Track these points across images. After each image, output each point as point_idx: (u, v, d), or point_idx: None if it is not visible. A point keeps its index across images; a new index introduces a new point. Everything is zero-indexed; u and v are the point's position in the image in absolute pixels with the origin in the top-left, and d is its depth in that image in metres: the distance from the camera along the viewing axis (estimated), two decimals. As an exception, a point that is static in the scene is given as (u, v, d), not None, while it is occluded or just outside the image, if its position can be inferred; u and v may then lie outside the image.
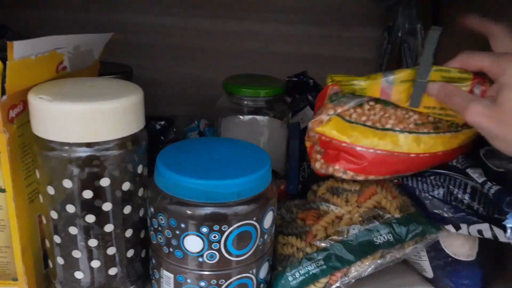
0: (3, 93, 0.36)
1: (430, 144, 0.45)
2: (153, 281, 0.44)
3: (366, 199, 0.49)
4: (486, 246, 0.47)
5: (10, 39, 0.35)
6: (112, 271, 0.42)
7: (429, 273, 0.50)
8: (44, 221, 0.41)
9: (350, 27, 0.78)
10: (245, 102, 0.59)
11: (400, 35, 0.73)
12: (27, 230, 0.41)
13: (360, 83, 0.46)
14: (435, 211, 0.47)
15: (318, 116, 0.47)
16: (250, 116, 0.59)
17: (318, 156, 0.48)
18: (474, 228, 0.44)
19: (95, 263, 0.41)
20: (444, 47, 0.73)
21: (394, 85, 0.44)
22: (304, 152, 0.61)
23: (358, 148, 0.45)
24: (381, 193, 0.49)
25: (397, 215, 0.47)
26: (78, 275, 0.41)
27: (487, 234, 0.43)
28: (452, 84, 0.42)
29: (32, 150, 0.40)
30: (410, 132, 0.45)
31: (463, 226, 0.44)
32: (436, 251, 0.48)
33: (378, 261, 0.45)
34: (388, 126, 0.46)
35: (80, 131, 0.37)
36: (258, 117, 0.60)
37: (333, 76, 0.48)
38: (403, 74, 0.44)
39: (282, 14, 0.76)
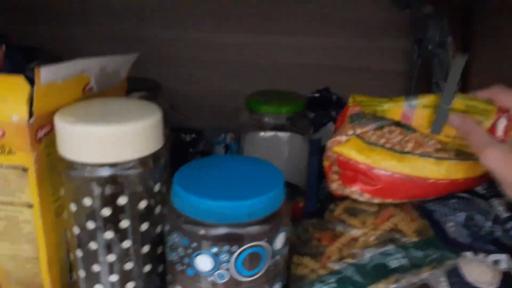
0: (31, 115, 0.39)
1: (450, 170, 0.44)
2: (169, 295, 0.46)
3: (383, 221, 0.48)
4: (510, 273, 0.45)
5: (40, 58, 0.38)
6: (130, 285, 0.44)
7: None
8: (69, 235, 0.44)
9: (379, 39, 0.77)
10: (267, 119, 0.60)
11: (430, 48, 0.71)
12: (53, 243, 0.44)
13: (382, 105, 0.45)
14: (454, 236, 0.45)
15: (337, 136, 0.47)
16: (271, 133, 0.60)
17: (335, 177, 0.48)
18: (492, 258, 0.42)
19: (113, 277, 0.43)
20: (475, 62, 0.71)
21: (416, 109, 0.44)
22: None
23: (376, 170, 0.45)
24: (399, 215, 0.48)
25: (414, 239, 0.46)
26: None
27: (504, 265, 0.41)
28: (474, 120, 0.41)
29: (57, 169, 0.42)
30: (430, 156, 0.44)
31: (481, 254, 0.43)
32: (455, 277, 0.47)
33: (392, 286, 0.44)
34: (408, 149, 0.45)
35: (102, 152, 0.40)
36: (280, 134, 0.60)
37: (355, 96, 0.48)
38: (426, 99, 0.44)
39: (310, 26, 0.76)
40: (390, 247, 0.45)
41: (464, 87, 0.72)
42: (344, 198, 0.52)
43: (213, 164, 0.48)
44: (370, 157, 0.45)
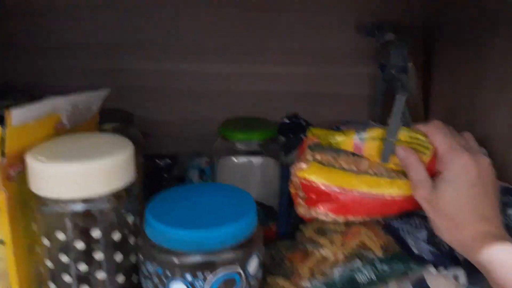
0: (3, 155, 0.40)
1: (404, 188, 0.47)
2: (145, 324, 0.46)
3: (350, 239, 0.50)
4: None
5: (12, 95, 0.39)
6: (106, 316, 0.44)
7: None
8: (42, 269, 0.44)
9: (345, 65, 0.81)
10: (239, 145, 0.61)
11: (393, 73, 0.75)
12: (26, 278, 0.44)
13: (335, 138, 0.49)
14: (418, 251, 0.48)
15: (299, 162, 0.49)
16: (244, 158, 0.62)
17: (301, 201, 0.50)
18: (451, 272, 0.44)
19: (89, 309, 0.43)
20: (434, 86, 0.75)
21: (365, 142, 0.48)
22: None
23: (336, 190, 0.47)
24: (366, 233, 0.50)
25: (380, 254, 0.48)
26: (74, 322, 0.43)
27: (462, 280, 0.44)
28: (416, 156, 0.45)
29: (30, 205, 0.43)
30: (383, 175, 0.47)
31: (442, 268, 0.45)
32: (422, 291, 0.49)
33: (361, 302, 0.46)
34: (363, 169, 0.48)
35: (73, 188, 0.41)
36: (252, 159, 0.62)
37: (312, 129, 0.51)
38: (375, 132, 0.47)
39: (278, 56, 0.80)
40: (358, 263, 0.47)
41: (426, 110, 0.76)
42: (313, 220, 0.54)
43: (185, 193, 0.49)
44: (329, 178, 0.47)
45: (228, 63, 0.79)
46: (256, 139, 0.61)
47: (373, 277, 0.47)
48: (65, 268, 0.42)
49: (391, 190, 0.47)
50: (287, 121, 0.72)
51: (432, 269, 0.47)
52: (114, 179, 0.42)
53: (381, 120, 0.80)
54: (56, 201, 0.41)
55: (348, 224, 0.52)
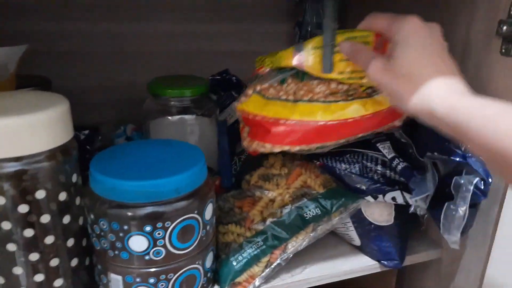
0: None
1: (339, 112, 0.48)
2: (100, 286, 0.45)
3: (293, 181, 0.53)
4: (403, 210, 0.54)
5: None
6: (57, 282, 0.41)
7: (357, 241, 0.56)
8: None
9: (265, 23, 0.83)
10: (172, 102, 0.60)
11: (309, 29, 0.79)
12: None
13: (277, 54, 0.49)
14: (354, 185, 0.52)
15: (240, 96, 0.50)
16: (178, 116, 0.61)
17: (245, 135, 0.51)
18: (388, 196, 0.50)
19: (39, 277, 0.40)
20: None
21: (305, 51, 0.47)
22: (234, 147, 0.64)
23: (272, 120, 0.48)
24: (306, 173, 0.54)
25: (321, 191, 0.52)
26: (22, 292, 0.40)
27: (400, 200, 0.49)
28: (359, 44, 0.45)
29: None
30: (317, 101, 0.48)
31: (380, 196, 0.50)
32: (360, 221, 0.54)
33: (311, 235, 0.50)
34: (298, 97, 0.48)
35: (7, 146, 0.37)
36: (186, 117, 0.61)
37: (258, 59, 0.51)
38: (313, 41, 0.47)
39: (197, 13, 0.78)
40: (304, 201, 0.50)
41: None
42: (258, 167, 0.56)
43: (130, 149, 0.47)
44: (267, 110, 0.48)
45: (147, 23, 0.76)
46: (189, 95, 0.60)
47: (318, 212, 0.50)
48: (7, 236, 0.38)
49: (325, 116, 0.47)
50: (218, 77, 0.72)
51: (369, 198, 0.51)
52: (50, 136, 0.39)
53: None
54: (-13, 162, 0.37)
55: (290, 168, 0.55)
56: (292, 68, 0.48)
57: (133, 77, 0.76)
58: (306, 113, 0.48)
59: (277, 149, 0.49)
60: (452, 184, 0.46)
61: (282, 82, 0.49)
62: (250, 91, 0.49)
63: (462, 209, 0.46)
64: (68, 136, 0.42)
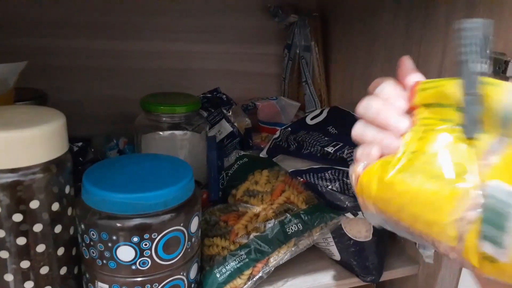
0: None
1: None
2: (88, 294, 0.46)
3: (277, 196, 0.55)
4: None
5: None
6: (46, 290, 0.43)
7: (337, 256, 0.58)
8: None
9: (254, 45, 0.86)
10: (164, 119, 0.63)
11: (298, 51, 0.83)
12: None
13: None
14: (336, 202, 0.55)
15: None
16: (169, 132, 0.64)
17: None
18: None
19: (29, 284, 0.42)
20: (333, 61, 0.84)
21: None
22: (222, 162, 0.67)
23: None
24: (289, 190, 0.56)
25: (303, 207, 0.54)
26: (11, 298, 0.42)
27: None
28: None
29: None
30: None
31: (359, 213, 0.53)
32: (340, 236, 0.56)
33: (292, 249, 0.52)
34: None
35: (4, 158, 0.39)
36: (177, 132, 0.64)
37: None
38: None
39: (189, 34, 0.82)
40: (286, 216, 0.53)
41: (327, 85, 0.85)
42: (243, 182, 0.58)
43: (121, 162, 0.50)
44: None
45: (140, 41, 0.79)
46: (180, 112, 0.63)
47: (300, 227, 0.53)
48: (0, 243, 0.40)
49: None
50: (209, 95, 0.75)
51: (349, 215, 0.54)
52: (45, 149, 0.41)
53: (289, 95, 0.87)
54: (-15, 173, 0.39)
55: (274, 184, 0.57)
56: None
57: (126, 93, 0.79)
58: None
59: None
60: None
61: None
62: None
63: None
64: (63, 150, 0.44)
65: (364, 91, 0.72)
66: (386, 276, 0.59)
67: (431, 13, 0.56)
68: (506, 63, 0.43)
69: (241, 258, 0.50)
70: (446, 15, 0.54)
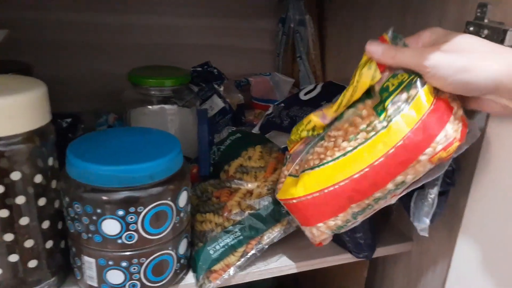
0: None
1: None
2: (75, 269, 0.46)
3: (270, 174, 0.54)
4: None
5: None
6: (32, 263, 0.42)
7: (330, 232, 0.57)
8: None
9: (248, 19, 0.84)
10: (152, 92, 0.61)
11: (292, 25, 0.80)
12: None
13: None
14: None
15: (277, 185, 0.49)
16: (158, 106, 0.62)
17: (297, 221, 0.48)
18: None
19: (13, 257, 0.41)
20: (328, 36, 0.82)
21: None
22: (213, 137, 0.66)
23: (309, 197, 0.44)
24: (281, 167, 0.55)
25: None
26: (-5, 271, 0.41)
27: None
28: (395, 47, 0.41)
29: None
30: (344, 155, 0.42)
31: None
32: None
33: (286, 227, 0.51)
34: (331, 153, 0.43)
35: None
36: (167, 106, 0.62)
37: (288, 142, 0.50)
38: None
39: (180, 8, 0.79)
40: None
41: (322, 59, 0.83)
42: (236, 158, 0.57)
43: (107, 136, 0.48)
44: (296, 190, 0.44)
45: (128, 15, 0.77)
46: (169, 85, 0.61)
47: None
48: (-18, 216, 0.39)
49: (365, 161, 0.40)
50: (199, 69, 0.73)
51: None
52: (26, 119, 0.40)
53: (283, 71, 0.85)
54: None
55: (266, 160, 0.56)
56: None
57: (115, 68, 0.76)
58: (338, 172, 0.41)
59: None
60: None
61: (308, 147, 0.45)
62: (282, 178, 0.48)
63: (431, 197, 0.47)
64: (45, 120, 0.43)
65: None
66: (379, 252, 0.58)
67: (428, -16, 0.54)
68: (505, 32, 0.42)
69: (236, 235, 0.49)
70: (444, -15, 0.52)
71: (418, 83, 0.39)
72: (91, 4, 0.74)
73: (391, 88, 0.40)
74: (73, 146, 0.44)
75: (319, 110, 0.46)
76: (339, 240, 0.57)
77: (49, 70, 0.72)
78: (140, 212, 0.42)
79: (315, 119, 0.45)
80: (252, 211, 0.51)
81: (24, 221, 0.41)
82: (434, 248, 0.56)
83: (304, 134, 0.47)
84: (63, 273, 0.46)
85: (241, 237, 0.49)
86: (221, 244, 0.49)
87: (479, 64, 0.37)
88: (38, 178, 0.41)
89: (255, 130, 0.68)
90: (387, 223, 0.62)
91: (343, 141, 0.42)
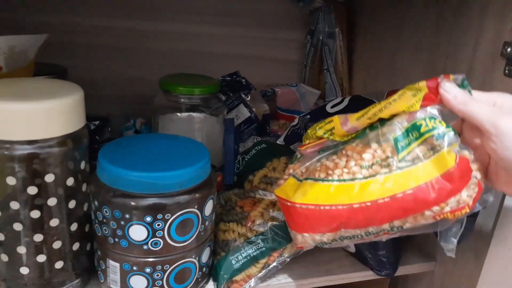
0: None
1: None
2: (99, 272, 0.46)
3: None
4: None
5: None
6: (58, 264, 0.43)
7: (352, 248, 0.57)
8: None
9: (277, 30, 0.84)
10: (182, 100, 0.62)
11: (321, 38, 0.80)
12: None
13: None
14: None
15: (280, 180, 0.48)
16: (186, 113, 0.63)
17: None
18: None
19: (41, 258, 0.42)
20: (357, 49, 0.82)
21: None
22: (238, 146, 0.66)
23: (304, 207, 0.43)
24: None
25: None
26: (23, 270, 0.42)
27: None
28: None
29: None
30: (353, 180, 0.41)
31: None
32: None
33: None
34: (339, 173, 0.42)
35: (22, 130, 0.38)
36: (195, 114, 0.63)
37: (304, 137, 0.48)
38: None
39: (212, 17, 0.80)
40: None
41: (350, 73, 0.83)
42: (261, 168, 0.57)
43: (138, 142, 0.49)
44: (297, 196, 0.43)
45: (162, 22, 0.78)
46: (199, 94, 0.62)
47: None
48: (15, 215, 0.40)
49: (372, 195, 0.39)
50: (228, 78, 0.74)
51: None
52: (62, 123, 0.41)
53: (309, 83, 0.85)
54: (2, 143, 0.38)
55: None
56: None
57: (146, 73, 0.78)
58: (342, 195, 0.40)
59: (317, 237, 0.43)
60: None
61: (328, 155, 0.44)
62: (285, 176, 0.47)
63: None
64: (80, 124, 0.43)
65: (389, 82, 0.70)
66: (402, 271, 0.57)
67: (464, 2, 0.54)
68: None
69: (258, 246, 0.49)
70: (480, 5, 0.51)
71: (452, 137, 0.37)
72: (125, 10, 0.76)
73: (423, 129, 0.38)
74: (104, 151, 0.45)
75: (345, 114, 0.45)
76: (361, 256, 0.56)
77: (82, 73, 0.74)
78: (168, 219, 0.42)
79: (337, 120, 0.44)
80: (275, 223, 0.51)
81: (54, 222, 0.41)
82: (459, 271, 0.54)
83: (320, 132, 0.46)
84: (87, 275, 0.47)
85: (264, 249, 0.49)
86: (244, 255, 0.49)
87: None
88: (70, 181, 0.42)
89: (280, 140, 0.68)
90: (411, 241, 0.61)
91: (355, 164, 0.41)
